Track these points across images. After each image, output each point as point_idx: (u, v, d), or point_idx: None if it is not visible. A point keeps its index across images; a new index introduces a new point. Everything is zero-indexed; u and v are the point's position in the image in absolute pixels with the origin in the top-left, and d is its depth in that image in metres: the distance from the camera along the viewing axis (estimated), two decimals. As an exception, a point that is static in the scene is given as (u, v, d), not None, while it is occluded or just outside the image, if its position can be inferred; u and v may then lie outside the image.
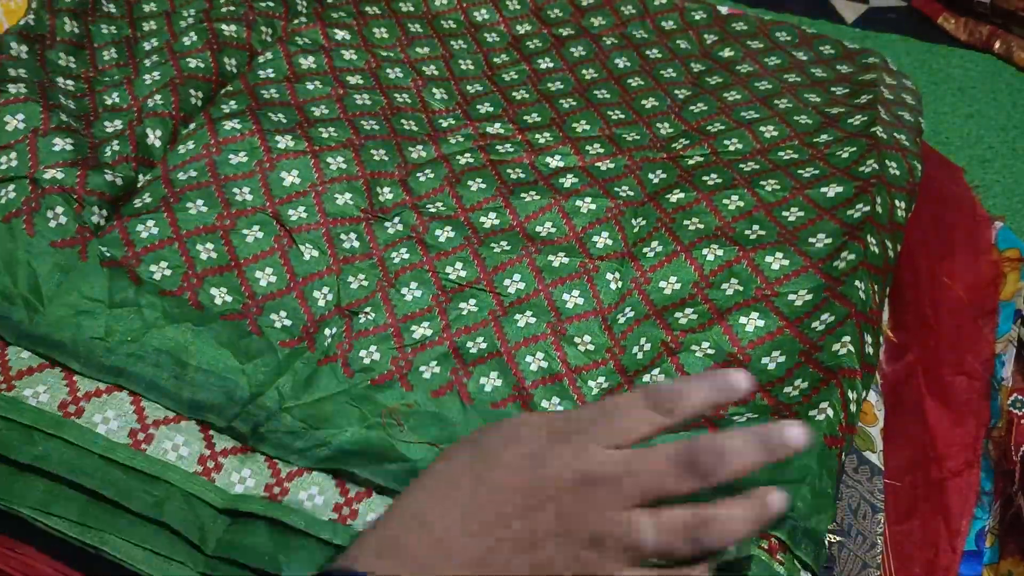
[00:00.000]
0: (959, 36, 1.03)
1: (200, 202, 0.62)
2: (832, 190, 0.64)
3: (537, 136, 0.71)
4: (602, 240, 0.63)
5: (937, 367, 0.65)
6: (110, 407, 0.53)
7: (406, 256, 0.62)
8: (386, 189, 0.66)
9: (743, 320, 0.57)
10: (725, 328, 0.57)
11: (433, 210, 0.65)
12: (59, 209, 0.58)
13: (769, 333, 0.56)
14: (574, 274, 0.61)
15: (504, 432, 0.41)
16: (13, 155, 0.61)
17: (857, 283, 0.57)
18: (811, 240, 0.61)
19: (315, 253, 0.61)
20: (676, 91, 0.76)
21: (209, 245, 0.60)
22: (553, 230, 0.64)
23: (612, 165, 0.68)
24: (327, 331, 0.58)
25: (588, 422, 0.40)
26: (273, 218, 0.62)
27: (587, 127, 0.72)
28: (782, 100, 0.74)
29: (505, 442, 0.41)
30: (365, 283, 0.60)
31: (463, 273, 0.61)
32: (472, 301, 0.59)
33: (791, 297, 0.58)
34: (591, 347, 0.58)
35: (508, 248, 0.62)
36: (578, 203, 0.65)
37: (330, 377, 0.55)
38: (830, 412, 0.50)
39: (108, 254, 0.58)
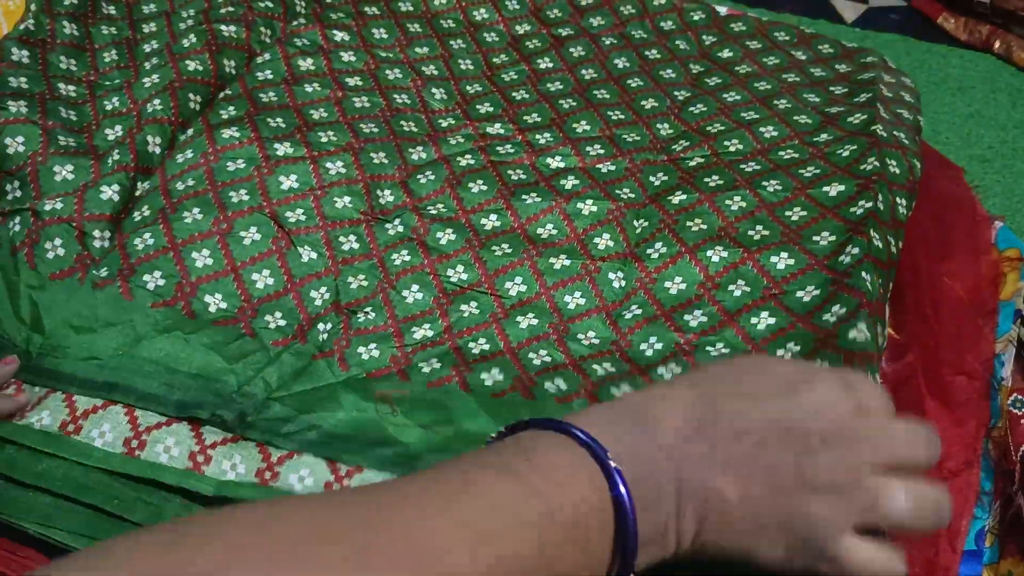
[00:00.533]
0: (959, 36, 1.03)
1: (196, 210, 0.61)
2: (834, 189, 0.64)
3: (537, 136, 0.71)
4: (603, 242, 0.63)
5: (937, 367, 0.65)
6: (106, 420, 0.53)
7: (407, 258, 0.62)
8: (387, 192, 0.66)
9: (754, 320, 0.57)
10: (737, 330, 0.57)
11: (434, 212, 0.65)
12: (57, 241, 0.59)
13: (781, 329, 0.56)
14: (576, 276, 0.61)
15: (762, 366, 0.42)
16: (17, 184, 0.61)
17: (864, 274, 0.57)
18: (815, 238, 0.61)
19: (313, 255, 0.61)
20: (675, 92, 0.76)
21: (205, 252, 0.60)
22: (554, 232, 0.64)
23: (613, 167, 0.68)
24: (321, 326, 0.58)
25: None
26: (271, 218, 0.62)
27: (587, 127, 0.72)
28: (781, 100, 0.74)
29: (764, 373, 0.40)
30: (365, 283, 0.60)
31: (464, 276, 0.61)
32: (473, 304, 0.59)
33: (799, 294, 0.58)
34: (596, 340, 0.58)
35: (509, 251, 0.62)
36: (579, 205, 0.65)
37: (325, 371, 0.55)
38: None
39: (104, 273, 0.58)
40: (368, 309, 0.59)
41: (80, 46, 0.74)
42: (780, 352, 0.55)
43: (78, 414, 0.53)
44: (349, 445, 0.52)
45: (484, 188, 0.66)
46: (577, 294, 0.60)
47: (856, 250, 0.58)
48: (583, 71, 0.79)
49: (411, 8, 0.83)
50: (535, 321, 0.58)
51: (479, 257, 0.62)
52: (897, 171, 0.66)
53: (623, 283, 0.61)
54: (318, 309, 0.59)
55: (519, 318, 0.59)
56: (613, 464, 0.36)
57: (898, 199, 0.64)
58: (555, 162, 0.69)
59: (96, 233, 0.60)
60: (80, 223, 0.59)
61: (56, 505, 0.52)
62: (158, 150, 0.65)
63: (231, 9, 0.76)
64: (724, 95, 0.75)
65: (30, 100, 0.66)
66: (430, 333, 0.58)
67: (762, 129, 0.71)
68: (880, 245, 0.60)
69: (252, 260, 0.60)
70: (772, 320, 0.57)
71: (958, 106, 0.93)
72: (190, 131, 0.67)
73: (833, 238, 0.61)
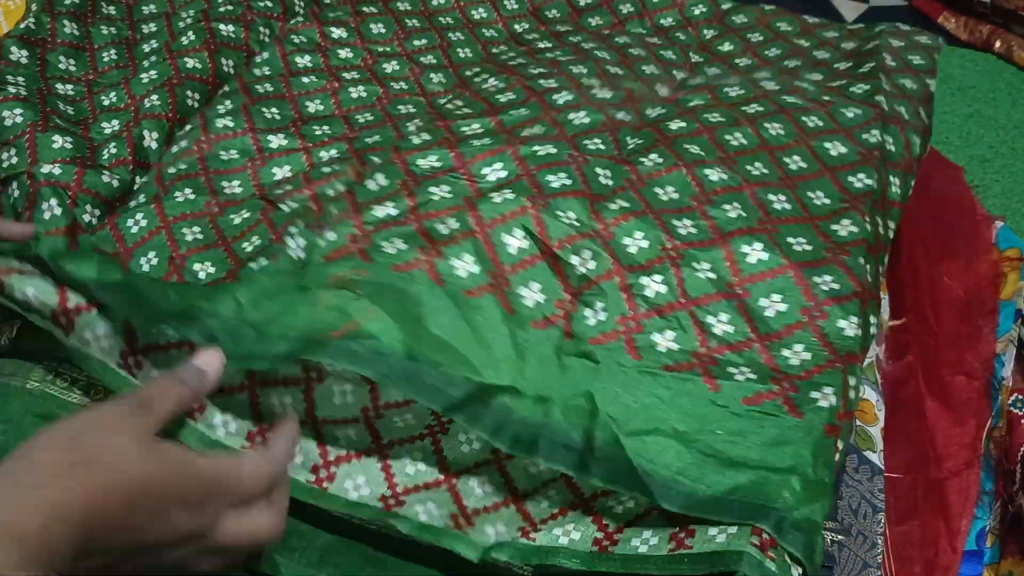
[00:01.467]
0: (959, 35, 1.03)
1: (188, 191, 0.61)
2: (835, 149, 0.63)
3: (541, 81, 0.70)
4: (593, 143, 0.62)
5: (937, 367, 0.65)
6: None
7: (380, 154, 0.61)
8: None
9: (745, 248, 0.56)
10: (727, 253, 0.55)
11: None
12: (53, 201, 0.58)
13: (771, 270, 0.55)
14: (561, 161, 0.59)
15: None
16: (13, 151, 0.61)
17: (861, 260, 0.56)
18: (810, 194, 0.60)
19: (294, 205, 0.59)
20: (675, 72, 0.76)
21: (196, 228, 0.59)
22: (541, 131, 0.62)
23: (609, 95, 0.68)
24: (291, 241, 0.56)
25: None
26: (261, 199, 0.61)
27: (585, 72, 0.72)
28: (782, 85, 0.74)
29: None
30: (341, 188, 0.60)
31: (437, 164, 0.59)
32: (444, 187, 0.57)
33: (790, 240, 0.57)
34: (576, 222, 0.55)
35: (489, 142, 0.60)
36: (571, 115, 0.64)
37: (285, 259, 0.53)
38: (833, 400, 0.49)
39: (99, 244, 0.58)
40: (332, 206, 0.57)
41: (80, 46, 0.73)
42: (763, 302, 0.53)
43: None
44: (314, 347, 0.46)
45: (470, 111, 0.65)
46: (562, 175, 0.58)
47: (851, 225, 0.58)
48: (584, 46, 0.78)
49: (409, 7, 0.83)
50: (511, 195, 0.56)
51: (457, 151, 0.60)
52: (893, 149, 0.65)
53: (610, 181, 0.59)
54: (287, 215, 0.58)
55: (493, 195, 0.56)
56: None
57: (891, 178, 0.64)
58: (550, 83, 0.68)
59: (87, 207, 0.59)
60: (75, 193, 0.59)
61: None
62: (155, 145, 0.65)
63: (230, 8, 0.76)
64: (722, 83, 0.75)
65: (29, 90, 0.66)
66: (394, 212, 0.55)
67: (764, 84, 0.71)
68: (869, 228, 0.59)
69: (242, 234, 0.59)
70: (765, 255, 0.55)
71: (958, 106, 0.93)
72: (188, 127, 0.67)
73: (828, 201, 0.60)
